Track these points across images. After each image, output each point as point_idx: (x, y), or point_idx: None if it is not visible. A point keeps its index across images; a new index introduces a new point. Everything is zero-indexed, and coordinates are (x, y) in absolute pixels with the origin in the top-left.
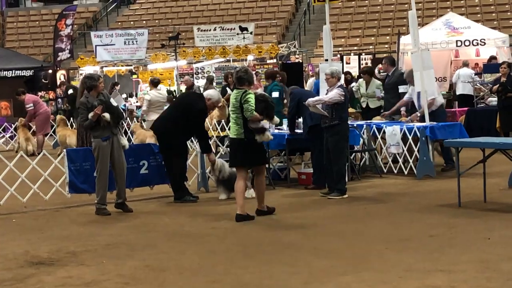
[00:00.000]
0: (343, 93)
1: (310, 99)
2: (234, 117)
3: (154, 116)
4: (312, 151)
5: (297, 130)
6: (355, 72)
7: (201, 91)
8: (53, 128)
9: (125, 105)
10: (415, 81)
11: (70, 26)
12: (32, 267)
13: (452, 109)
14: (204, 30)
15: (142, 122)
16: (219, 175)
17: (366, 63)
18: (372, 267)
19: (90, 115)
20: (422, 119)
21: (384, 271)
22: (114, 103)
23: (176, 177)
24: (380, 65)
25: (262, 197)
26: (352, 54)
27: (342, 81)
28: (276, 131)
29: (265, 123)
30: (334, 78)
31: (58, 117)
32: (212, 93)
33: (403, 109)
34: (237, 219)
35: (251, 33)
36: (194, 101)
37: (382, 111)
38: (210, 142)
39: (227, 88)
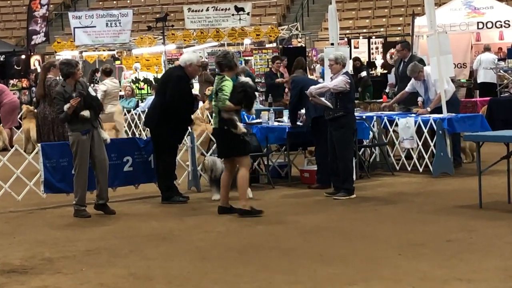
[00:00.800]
0: (349, 80)
1: (312, 87)
2: (213, 105)
3: (109, 109)
4: (316, 146)
5: (299, 123)
6: (364, 57)
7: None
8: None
9: None
10: (431, 67)
11: (46, 6)
12: (3, 276)
13: (473, 99)
14: (196, 11)
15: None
16: (211, 174)
17: (377, 48)
18: (383, 276)
19: (66, 107)
20: (436, 111)
21: (396, 280)
22: (93, 93)
23: (164, 176)
24: (392, 50)
25: (241, 193)
26: (361, 37)
27: (350, 67)
28: (276, 123)
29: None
30: (338, 64)
31: (24, 107)
32: (188, 57)
33: (420, 99)
34: (219, 211)
35: (248, 13)
36: (170, 73)
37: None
38: (203, 137)
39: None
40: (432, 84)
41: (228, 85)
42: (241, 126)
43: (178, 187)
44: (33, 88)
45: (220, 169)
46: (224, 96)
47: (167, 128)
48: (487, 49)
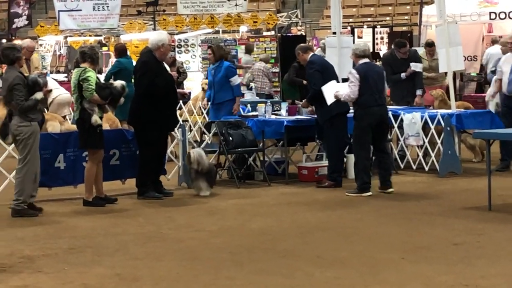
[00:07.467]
0: (357, 76)
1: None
2: (74, 98)
3: None
4: (325, 141)
5: (299, 116)
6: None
7: (184, 68)
8: None
9: None
10: (440, 60)
11: None
12: None
13: (483, 94)
14: None
15: None
16: (197, 167)
17: (382, 38)
18: (385, 280)
19: (39, 95)
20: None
21: (399, 285)
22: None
23: (140, 170)
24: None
25: (85, 186)
26: (365, 26)
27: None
28: (273, 116)
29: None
30: (355, 56)
31: None
32: (159, 37)
33: (419, 91)
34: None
35: None
36: (138, 60)
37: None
38: (194, 129)
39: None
40: None
41: (92, 76)
42: (97, 118)
43: (168, 183)
44: None
45: (206, 162)
46: (91, 87)
47: (142, 120)
48: (494, 41)
